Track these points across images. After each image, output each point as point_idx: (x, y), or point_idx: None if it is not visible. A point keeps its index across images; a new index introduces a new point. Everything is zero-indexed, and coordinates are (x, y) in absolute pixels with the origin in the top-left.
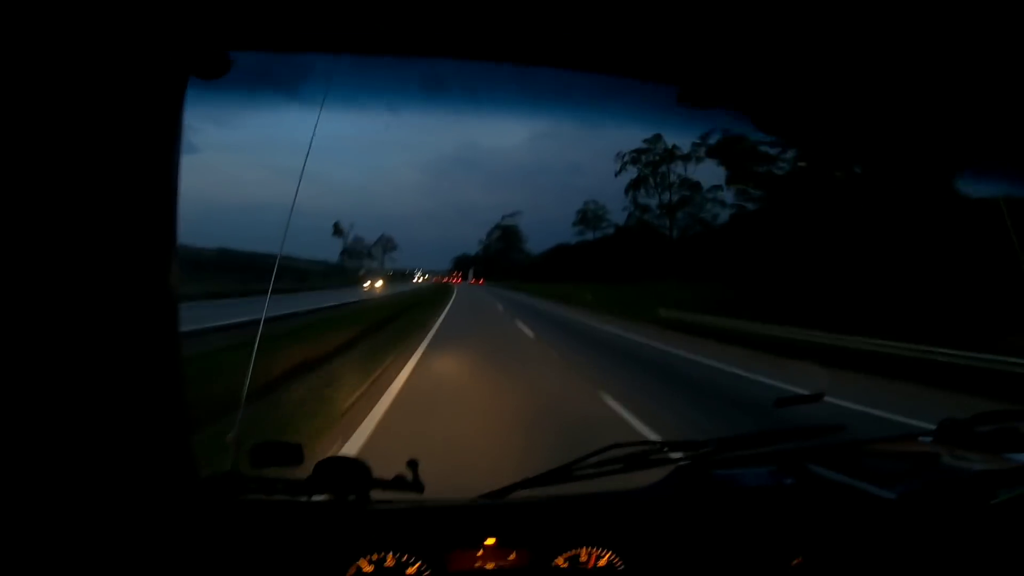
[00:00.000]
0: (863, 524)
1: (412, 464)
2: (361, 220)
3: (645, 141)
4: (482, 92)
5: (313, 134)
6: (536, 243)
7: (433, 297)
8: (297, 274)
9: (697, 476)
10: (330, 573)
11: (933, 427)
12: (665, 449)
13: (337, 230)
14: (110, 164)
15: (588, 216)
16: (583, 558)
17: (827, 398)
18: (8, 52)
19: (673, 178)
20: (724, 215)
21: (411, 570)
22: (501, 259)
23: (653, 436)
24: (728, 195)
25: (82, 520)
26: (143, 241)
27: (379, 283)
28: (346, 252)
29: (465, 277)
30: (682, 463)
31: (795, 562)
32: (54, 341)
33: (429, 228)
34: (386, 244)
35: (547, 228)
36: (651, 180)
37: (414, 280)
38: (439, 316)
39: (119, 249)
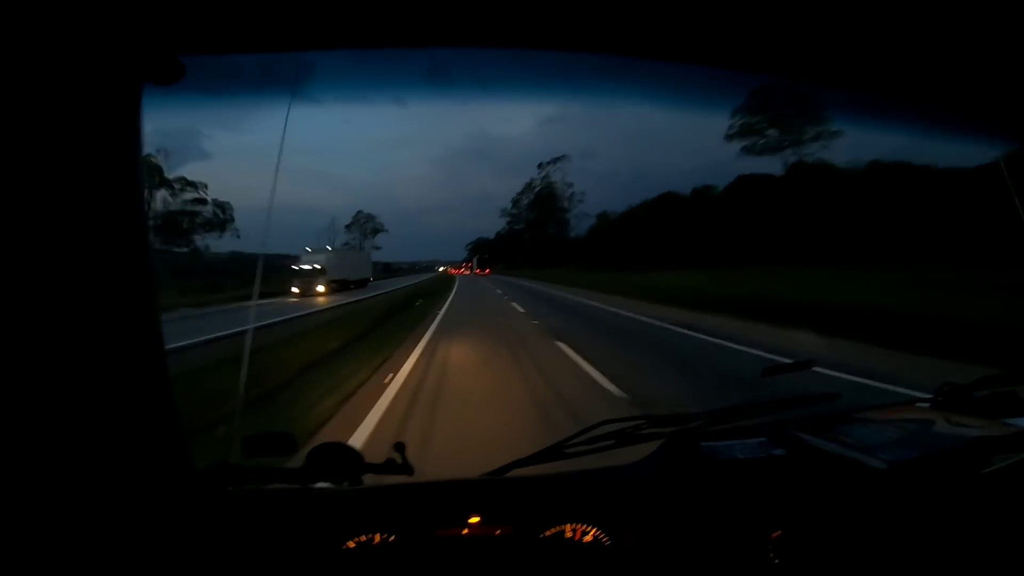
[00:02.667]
0: (850, 494)
1: (399, 447)
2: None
3: None
4: (487, 78)
5: (285, 125)
6: (599, 204)
7: None
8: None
9: (685, 450)
10: (326, 556)
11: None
12: (655, 424)
13: (154, 179)
14: (68, 170)
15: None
16: (568, 534)
17: None
18: None
19: None
20: None
21: (396, 547)
22: (536, 234)
23: None
24: None
25: (79, 517)
26: (113, 247)
27: None
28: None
29: (473, 268)
30: (671, 437)
31: (774, 535)
32: (35, 345)
33: (444, 219)
34: (364, 224)
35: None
36: None
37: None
38: None
39: (89, 256)
